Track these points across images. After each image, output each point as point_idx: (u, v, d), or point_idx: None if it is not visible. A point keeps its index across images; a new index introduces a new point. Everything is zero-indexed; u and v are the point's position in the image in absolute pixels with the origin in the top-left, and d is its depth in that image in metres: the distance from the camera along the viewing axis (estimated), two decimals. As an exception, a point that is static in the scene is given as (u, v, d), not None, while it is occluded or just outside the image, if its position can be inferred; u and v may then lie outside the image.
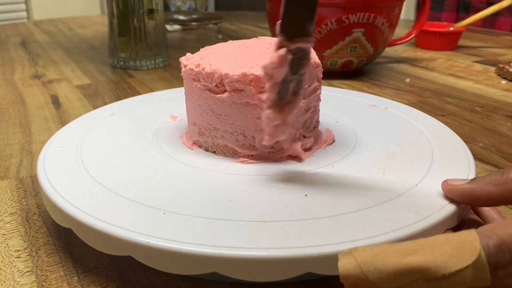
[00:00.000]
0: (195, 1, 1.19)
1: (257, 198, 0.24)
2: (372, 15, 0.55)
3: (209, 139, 0.30)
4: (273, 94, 0.25)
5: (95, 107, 0.49)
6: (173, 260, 0.20)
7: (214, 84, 0.27)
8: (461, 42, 0.85)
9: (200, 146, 0.31)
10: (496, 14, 1.12)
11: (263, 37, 0.33)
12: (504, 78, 0.61)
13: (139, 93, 0.55)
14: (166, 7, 1.21)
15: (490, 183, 0.21)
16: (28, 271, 0.24)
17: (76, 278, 0.23)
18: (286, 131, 0.26)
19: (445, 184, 0.23)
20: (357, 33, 0.56)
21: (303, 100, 0.28)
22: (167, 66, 0.68)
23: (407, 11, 1.65)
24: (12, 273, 0.23)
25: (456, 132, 0.32)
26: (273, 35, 0.63)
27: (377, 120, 0.35)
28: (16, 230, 0.27)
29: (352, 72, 0.62)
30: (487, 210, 0.24)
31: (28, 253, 0.25)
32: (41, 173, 0.27)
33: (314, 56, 0.29)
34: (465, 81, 0.60)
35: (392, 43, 0.65)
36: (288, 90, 0.25)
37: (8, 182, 0.33)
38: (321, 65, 0.29)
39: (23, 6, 2.14)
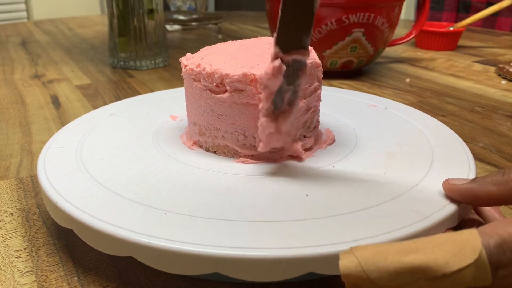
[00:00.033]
0: (195, 1, 1.19)
1: (258, 198, 0.24)
2: (372, 15, 0.55)
3: (210, 139, 0.30)
4: (268, 103, 0.25)
5: (95, 107, 0.49)
6: (175, 260, 0.20)
7: (214, 84, 0.27)
8: (461, 42, 0.85)
9: (200, 146, 0.31)
10: (496, 14, 1.12)
11: (263, 37, 0.33)
12: (504, 78, 0.61)
13: (139, 93, 0.55)
14: (166, 7, 1.21)
15: (491, 183, 0.21)
16: (28, 271, 0.24)
17: (76, 278, 0.23)
18: (280, 139, 0.26)
19: (446, 183, 0.23)
20: (357, 33, 0.56)
21: (303, 100, 0.28)
22: (167, 66, 0.68)
23: (407, 11, 1.65)
24: (12, 273, 0.23)
25: (456, 132, 0.32)
26: (273, 35, 0.63)
27: (377, 120, 0.35)
28: (16, 230, 0.27)
29: (352, 72, 0.62)
30: (488, 210, 0.24)
31: (28, 253, 0.25)
32: (41, 173, 0.27)
33: (314, 56, 0.29)
34: (465, 81, 0.60)
35: (392, 43, 0.65)
36: (284, 100, 0.25)
37: (8, 182, 0.33)
38: (321, 65, 0.29)
39: (23, 6, 2.14)
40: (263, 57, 0.28)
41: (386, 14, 0.56)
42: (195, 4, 1.19)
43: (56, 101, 0.52)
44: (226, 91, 0.27)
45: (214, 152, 0.30)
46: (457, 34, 0.79)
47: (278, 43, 0.24)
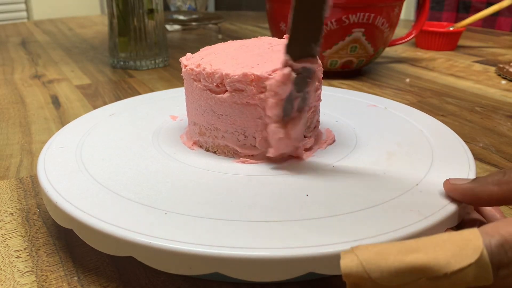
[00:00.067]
0: (195, 1, 1.19)
1: (258, 198, 0.24)
2: (372, 15, 0.55)
3: (210, 139, 0.30)
4: (278, 110, 0.26)
5: (95, 107, 0.49)
6: (175, 260, 0.20)
7: (214, 84, 0.27)
8: (461, 42, 0.85)
9: (200, 146, 0.31)
10: (496, 14, 1.12)
11: (263, 37, 0.33)
12: (504, 78, 0.61)
13: (139, 93, 0.55)
14: (166, 7, 1.21)
15: (492, 183, 0.21)
16: (28, 271, 0.24)
17: (76, 278, 0.23)
18: (289, 144, 0.27)
19: (447, 183, 0.23)
20: (357, 33, 0.56)
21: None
22: (167, 66, 0.68)
23: (407, 11, 1.65)
24: (12, 273, 0.23)
25: (456, 132, 0.32)
26: (273, 35, 0.63)
27: (377, 120, 0.35)
28: (16, 230, 0.27)
29: (352, 72, 0.62)
30: (489, 210, 0.24)
31: (28, 253, 0.25)
32: (41, 173, 0.27)
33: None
34: (465, 81, 0.60)
35: (392, 43, 0.65)
36: (293, 107, 0.26)
37: (8, 182, 0.33)
38: (322, 65, 0.29)
39: (23, 6, 2.14)
40: (263, 57, 0.28)
41: (386, 14, 0.56)
42: (195, 4, 1.19)
43: (56, 101, 0.52)
44: (226, 91, 0.27)
45: (214, 152, 0.30)
46: (457, 34, 0.79)
47: (288, 51, 0.25)
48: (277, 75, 0.25)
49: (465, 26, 0.78)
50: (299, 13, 0.23)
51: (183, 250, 0.20)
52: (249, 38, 0.34)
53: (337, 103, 0.39)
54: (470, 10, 1.23)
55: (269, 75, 0.26)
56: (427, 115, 0.36)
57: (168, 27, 0.99)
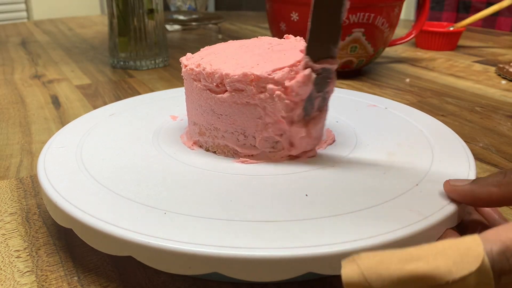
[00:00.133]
0: (195, 1, 1.19)
1: (257, 198, 0.24)
2: (372, 15, 0.55)
3: (210, 139, 0.30)
4: (299, 110, 0.27)
5: (95, 107, 0.49)
6: (174, 260, 0.20)
7: (214, 84, 0.27)
8: (461, 42, 0.85)
9: (200, 146, 0.31)
10: (496, 14, 1.12)
11: (263, 37, 0.33)
12: (504, 78, 0.61)
13: (139, 93, 0.55)
14: (166, 7, 1.21)
15: (492, 184, 0.21)
16: (28, 271, 0.24)
17: (76, 278, 0.23)
18: (310, 142, 0.28)
19: (447, 184, 0.23)
20: (357, 33, 0.56)
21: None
22: (167, 66, 0.68)
23: (407, 11, 1.65)
24: (12, 273, 0.23)
25: (456, 132, 0.32)
26: (273, 35, 0.63)
27: (377, 120, 0.35)
28: (16, 230, 0.27)
29: (352, 72, 0.62)
30: (488, 211, 0.24)
31: (28, 253, 0.25)
32: (41, 173, 0.27)
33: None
34: (465, 81, 0.60)
35: (392, 43, 0.65)
36: (314, 107, 0.27)
37: (8, 182, 0.33)
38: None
39: (23, 6, 2.14)
40: (263, 57, 0.28)
41: (386, 14, 0.56)
42: (195, 4, 1.19)
43: (56, 101, 0.52)
44: (226, 91, 0.27)
45: (214, 152, 0.30)
46: (457, 34, 0.79)
47: (308, 53, 0.26)
48: (298, 76, 0.26)
49: (465, 26, 0.78)
50: (318, 16, 0.25)
51: (182, 250, 0.20)
52: (249, 38, 0.34)
53: (337, 103, 0.39)
54: (470, 10, 1.23)
55: (269, 75, 0.26)
56: (427, 115, 0.36)
57: (168, 27, 0.99)
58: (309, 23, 0.25)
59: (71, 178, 0.26)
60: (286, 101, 0.26)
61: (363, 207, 0.23)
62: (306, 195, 0.24)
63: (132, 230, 0.21)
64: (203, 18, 1.01)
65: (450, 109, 0.49)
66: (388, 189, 0.24)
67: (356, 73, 0.63)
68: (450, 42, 0.79)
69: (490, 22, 1.16)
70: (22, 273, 0.24)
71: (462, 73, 0.65)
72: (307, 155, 0.29)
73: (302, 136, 0.27)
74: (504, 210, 0.30)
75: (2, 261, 0.24)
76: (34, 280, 0.23)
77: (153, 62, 0.66)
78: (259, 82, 0.26)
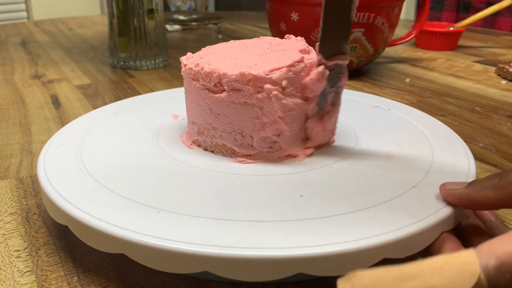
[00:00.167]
0: (195, 1, 1.19)
1: (252, 198, 0.24)
2: (372, 15, 0.55)
3: (208, 138, 0.30)
4: (314, 105, 0.28)
5: (95, 107, 0.49)
6: (165, 258, 0.20)
7: (212, 83, 0.27)
8: (461, 42, 0.85)
9: (199, 146, 0.31)
10: (496, 14, 1.12)
11: (264, 37, 0.33)
12: (504, 78, 0.61)
13: (139, 93, 0.55)
14: (166, 7, 1.21)
15: (488, 187, 0.20)
16: (28, 271, 0.24)
17: (76, 278, 0.23)
18: (325, 136, 0.29)
19: (442, 188, 0.23)
20: (357, 33, 0.56)
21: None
22: (167, 66, 0.68)
23: (407, 11, 1.65)
24: (12, 273, 0.24)
25: (456, 132, 0.32)
26: (273, 35, 0.63)
27: (377, 120, 0.35)
28: (16, 230, 0.27)
29: (352, 72, 0.62)
30: (485, 214, 0.24)
31: (28, 253, 0.25)
32: (41, 172, 0.27)
33: (314, 56, 0.29)
34: (465, 81, 0.60)
35: (392, 43, 0.65)
36: (327, 101, 0.29)
37: (8, 182, 0.33)
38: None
39: (23, 6, 2.14)
40: (262, 57, 0.28)
41: (386, 14, 0.56)
42: (195, 4, 1.19)
43: (56, 101, 0.52)
44: (224, 90, 0.27)
45: (212, 152, 0.30)
46: (457, 34, 0.79)
47: (320, 50, 0.27)
48: (313, 74, 0.27)
49: (465, 26, 0.78)
50: (329, 15, 0.26)
51: (172, 248, 0.20)
52: (249, 38, 0.34)
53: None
54: (470, 10, 1.23)
55: (266, 75, 0.26)
56: (427, 115, 0.36)
57: (168, 27, 0.99)
58: (321, 22, 0.26)
59: (71, 177, 0.26)
60: (283, 101, 0.26)
61: (357, 208, 0.22)
62: (301, 195, 0.24)
63: (124, 228, 0.21)
64: (203, 18, 1.01)
65: (450, 109, 0.49)
66: (385, 190, 0.24)
67: (356, 73, 0.63)
68: (450, 42, 0.79)
69: (490, 22, 1.16)
70: (22, 273, 0.24)
71: (462, 73, 0.65)
72: (322, 147, 0.30)
73: (317, 130, 0.28)
74: (504, 210, 0.30)
75: (2, 261, 0.24)
76: (34, 280, 0.23)
77: (153, 62, 0.66)
78: (257, 82, 0.26)
